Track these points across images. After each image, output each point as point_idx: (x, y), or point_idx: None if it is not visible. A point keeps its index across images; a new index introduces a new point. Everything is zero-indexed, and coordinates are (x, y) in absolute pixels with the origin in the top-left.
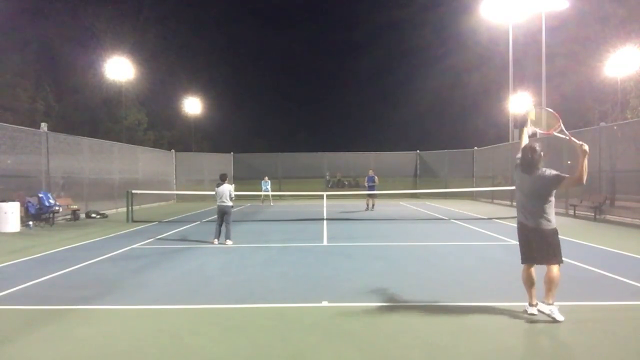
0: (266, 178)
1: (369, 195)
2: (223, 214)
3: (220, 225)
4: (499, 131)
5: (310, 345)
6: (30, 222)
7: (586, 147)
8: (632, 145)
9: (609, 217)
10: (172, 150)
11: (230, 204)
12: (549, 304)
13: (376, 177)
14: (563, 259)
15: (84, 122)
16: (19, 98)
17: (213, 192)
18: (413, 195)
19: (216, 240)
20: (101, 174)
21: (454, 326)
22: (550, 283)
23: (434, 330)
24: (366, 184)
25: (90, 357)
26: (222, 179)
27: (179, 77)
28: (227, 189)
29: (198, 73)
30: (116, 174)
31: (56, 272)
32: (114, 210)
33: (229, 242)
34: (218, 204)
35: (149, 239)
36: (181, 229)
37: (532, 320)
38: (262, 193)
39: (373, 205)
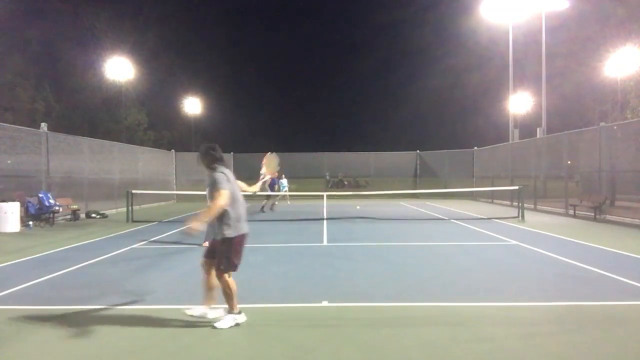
0: (283, 176)
1: (269, 196)
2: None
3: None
4: (499, 131)
5: (310, 345)
6: (30, 222)
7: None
8: (632, 145)
9: (609, 217)
10: (172, 150)
11: None
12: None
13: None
14: (563, 259)
15: (84, 122)
16: (19, 98)
17: None
18: (413, 195)
19: (206, 242)
20: (101, 174)
21: (454, 326)
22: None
23: (434, 330)
24: (267, 186)
25: (90, 357)
26: None
27: (179, 77)
28: None
29: (198, 73)
30: (116, 174)
31: (56, 272)
32: (114, 210)
33: None
34: (208, 204)
35: (149, 239)
36: (181, 229)
37: (529, 320)
38: (282, 193)
39: (272, 205)
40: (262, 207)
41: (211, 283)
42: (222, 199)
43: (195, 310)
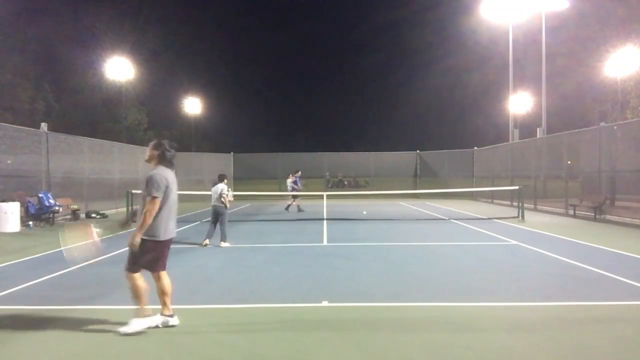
0: (299, 173)
1: (295, 197)
2: (215, 215)
3: (214, 227)
4: (499, 131)
5: (310, 345)
6: (30, 222)
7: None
8: (632, 145)
9: (609, 217)
10: None
11: (221, 204)
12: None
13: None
14: (563, 259)
15: (84, 122)
16: (19, 98)
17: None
18: (413, 195)
19: (207, 241)
20: (101, 174)
21: (454, 326)
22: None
23: (434, 330)
24: (292, 186)
25: (90, 357)
26: (220, 179)
27: (179, 77)
28: (220, 188)
29: (198, 73)
30: (116, 174)
31: (56, 272)
32: (114, 210)
33: (223, 244)
34: (212, 204)
35: None
36: (181, 229)
37: (529, 320)
38: (297, 193)
39: (298, 205)
40: (298, 206)
41: (163, 289)
42: (153, 207)
43: (154, 320)
